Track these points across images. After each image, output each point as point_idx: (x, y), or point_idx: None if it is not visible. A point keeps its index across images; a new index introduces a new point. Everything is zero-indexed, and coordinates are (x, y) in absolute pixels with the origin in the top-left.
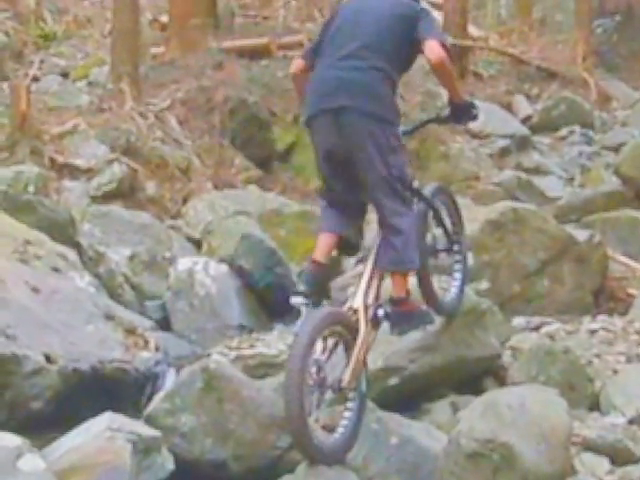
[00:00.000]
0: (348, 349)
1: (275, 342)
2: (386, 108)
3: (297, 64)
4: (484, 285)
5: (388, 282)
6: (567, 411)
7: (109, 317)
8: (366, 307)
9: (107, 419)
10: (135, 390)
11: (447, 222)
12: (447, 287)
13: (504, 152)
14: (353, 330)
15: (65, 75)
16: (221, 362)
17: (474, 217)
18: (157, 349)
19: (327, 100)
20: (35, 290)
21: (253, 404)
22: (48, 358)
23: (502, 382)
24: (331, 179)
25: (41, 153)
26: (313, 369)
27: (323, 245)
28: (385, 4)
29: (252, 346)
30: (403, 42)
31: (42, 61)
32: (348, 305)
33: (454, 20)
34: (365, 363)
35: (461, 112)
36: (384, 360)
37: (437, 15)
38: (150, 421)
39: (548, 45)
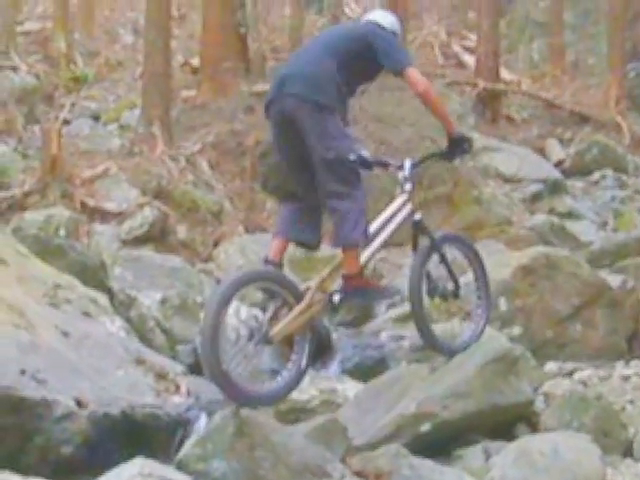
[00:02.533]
0: (288, 310)
1: (306, 387)
2: (327, 97)
3: None
4: (516, 331)
5: None
6: (600, 457)
7: (140, 362)
8: (319, 287)
9: (138, 464)
10: (166, 435)
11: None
12: (460, 331)
13: (537, 196)
14: (298, 297)
15: (96, 118)
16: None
17: (506, 262)
18: (188, 394)
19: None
20: (65, 334)
21: (284, 450)
22: (79, 403)
23: (535, 428)
24: (289, 171)
25: (72, 196)
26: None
27: (275, 248)
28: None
29: None
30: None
31: (73, 104)
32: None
33: (486, 64)
34: (305, 331)
35: (455, 145)
36: (417, 406)
37: (469, 59)
38: (181, 467)
39: (581, 89)
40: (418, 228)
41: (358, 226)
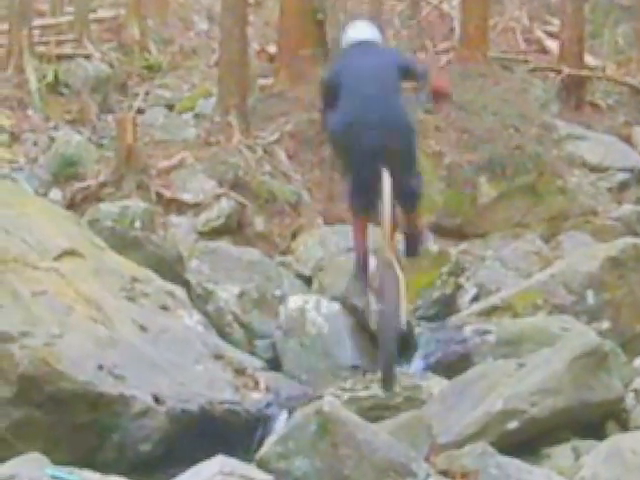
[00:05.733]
0: None
1: None
2: None
3: None
4: (605, 325)
5: None
6: None
7: (218, 357)
8: None
9: (219, 462)
10: (245, 432)
11: None
12: None
13: (623, 186)
14: None
15: (170, 107)
16: (335, 404)
17: (593, 254)
18: (267, 390)
19: None
20: (143, 329)
21: (369, 448)
22: (157, 399)
23: (625, 426)
24: None
25: (147, 188)
26: None
27: None
28: None
29: (366, 387)
30: None
31: (147, 93)
32: None
33: (570, 49)
34: None
35: None
36: (504, 403)
37: (553, 44)
38: (262, 465)
39: None
40: None
41: None
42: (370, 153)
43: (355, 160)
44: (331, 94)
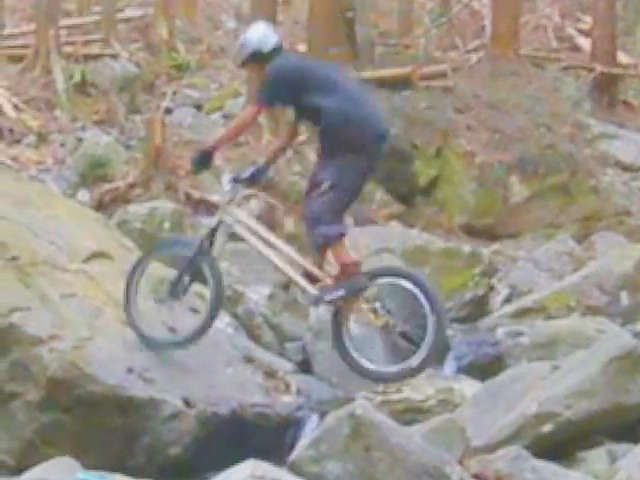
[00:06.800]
0: None
1: (423, 386)
2: None
3: None
4: None
5: None
6: None
7: (249, 359)
8: None
9: (250, 466)
10: (276, 436)
11: None
12: None
13: None
14: None
15: (198, 107)
16: (368, 407)
17: (627, 255)
18: (298, 393)
19: None
20: (172, 330)
21: (402, 451)
22: (187, 402)
23: None
24: None
25: (176, 188)
26: None
27: None
28: None
29: (399, 390)
30: None
31: (175, 93)
32: None
33: (602, 47)
34: None
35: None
36: (538, 406)
37: (585, 42)
38: (294, 469)
39: None
40: None
41: None
42: None
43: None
44: None
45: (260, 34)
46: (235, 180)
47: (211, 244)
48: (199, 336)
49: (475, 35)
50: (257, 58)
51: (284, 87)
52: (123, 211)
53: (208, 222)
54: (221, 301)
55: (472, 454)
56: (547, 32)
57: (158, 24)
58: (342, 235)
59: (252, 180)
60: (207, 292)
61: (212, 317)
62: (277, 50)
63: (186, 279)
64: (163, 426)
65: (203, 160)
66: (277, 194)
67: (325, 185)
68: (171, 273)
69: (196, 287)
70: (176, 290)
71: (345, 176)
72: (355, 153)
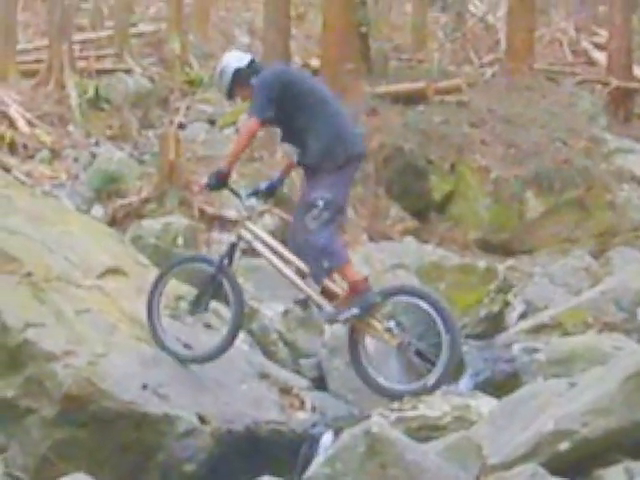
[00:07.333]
0: None
1: (438, 403)
2: None
3: None
4: None
5: None
6: None
7: (263, 376)
8: None
9: None
10: (291, 453)
11: None
12: None
13: None
14: None
15: (212, 122)
16: (384, 425)
17: None
18: (313, 410)
19: None
20: (187, 347)
21: (418, 469)
22: (202, 419)
23: None
24: None
25: (190, 204)
26: None
27: None
28: None
29: (414, 407)
30: None
31: (188, 108)
32: None
33: (618, 61)
34: None
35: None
36: (555, 423)
37: (600, 56)
38: None
39: None
40: None
41: None
42: None
43: None
44: None
45: (234, 55)
46: (253, 194)
47: (231, 261)
48: (219, 354)
49: (489, 49)
50: (241, 76)
51: (273, 92)
52: (137, 226)
53: (226, 238)
54: (242, 319)
55: (488, 472)
56: (562, 46)
57: (171, 39)
58: (349, 260)
59: (270, 192)
60: (224, 309)
61: (233, 336)
62: (254, 63)
63: (207, 296)
64: (178, 442)
65: (219, 183)
66: (291, 210)
67: (320, 203)
68: (186, 289)
69: (211, 304)
70: (197, 307)
71: (335, 192)
72: (340, 169)
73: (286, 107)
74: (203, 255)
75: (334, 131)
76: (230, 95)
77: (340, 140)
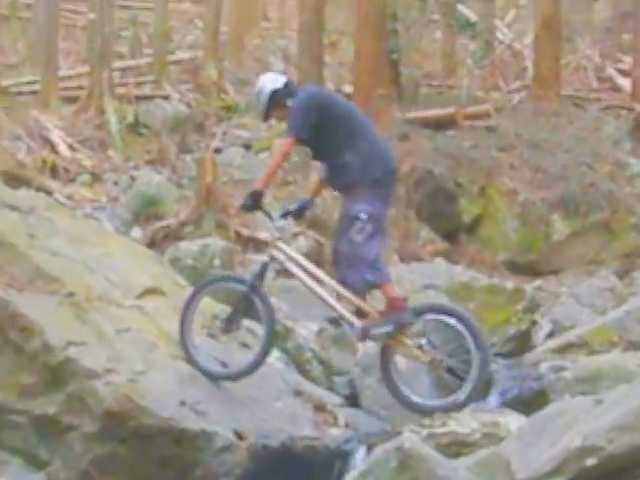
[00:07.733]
0: None
1: (468, 420)
2: None
3: None
4: None
5: None
6: None
7: (298, 393)
8: None
9: None
10: (324, 468)
11: None
12: None
13: None
14: None
15: (248, 147)
16: (416, 441)
17: None
18: (346, 426)
19: None
20: (224, 365)
21: None
22: (238, 434)
23: None
24: None
25: (227, 226)
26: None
27: None
28: None
29: (444, 424)
30: None
31: (224, 133)
32: None
33: None
34: None
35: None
36: (582, 440)
37: (625, 82)
38: None
39: None
40: None
41: None
42: None
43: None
44: None
45: (269, 78)
46: (284, 215)
47: (262, 280)
48: (252, 371)
49: (517, 76)
50: (277, 97)
51: (311, 112)
52: (175, 248)
53: (260, 259)
54: (274, 337)
55: None
56: (588, 72)
57: (208, 66)
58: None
59: (300, 213)
60: (258, 327)
61: (266, 353)
62: (290, 85)
63: (239, 314)
64: (215, 458)
65: (254, 203)
66: (325, 231)
67: (363, 216)
68: (221, 308)
69: (247, 323)
70: (230, 325)
71: (376, 206)
72: (379, 184)
73: (323, 126)
74: (235, 274)
75: (372, 147)
76: (266, 116)
77: (377, 155)
